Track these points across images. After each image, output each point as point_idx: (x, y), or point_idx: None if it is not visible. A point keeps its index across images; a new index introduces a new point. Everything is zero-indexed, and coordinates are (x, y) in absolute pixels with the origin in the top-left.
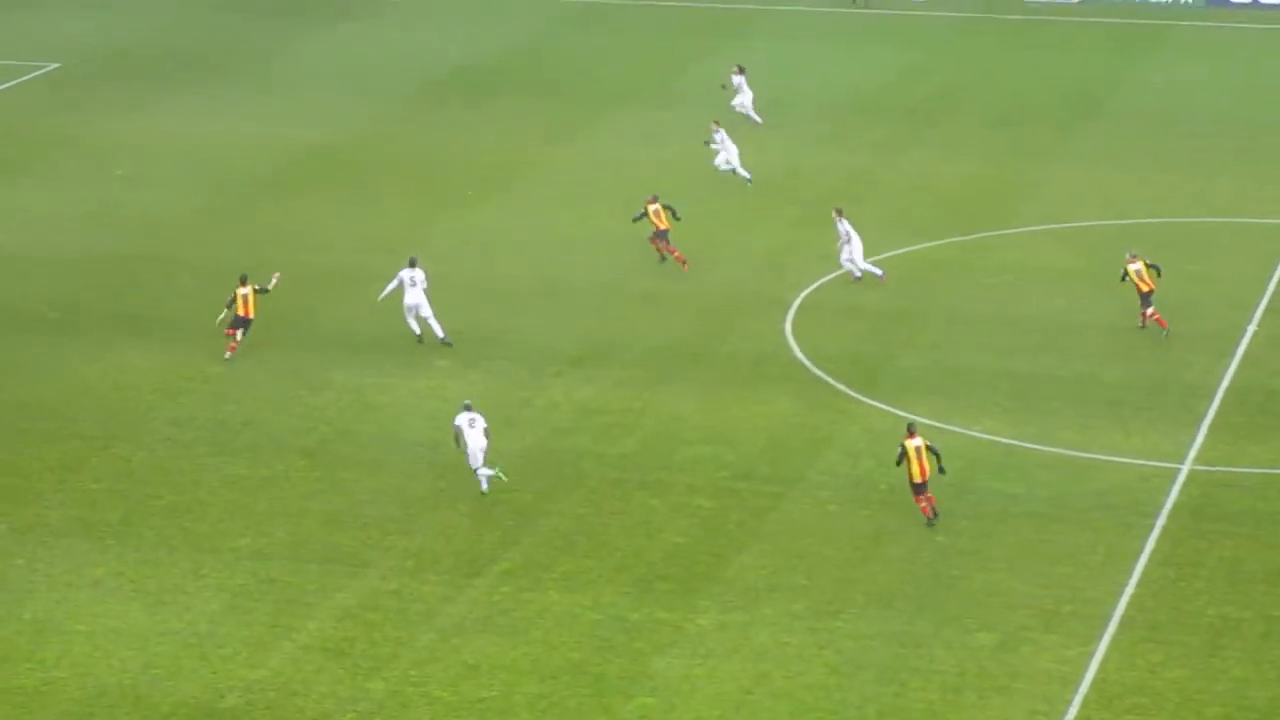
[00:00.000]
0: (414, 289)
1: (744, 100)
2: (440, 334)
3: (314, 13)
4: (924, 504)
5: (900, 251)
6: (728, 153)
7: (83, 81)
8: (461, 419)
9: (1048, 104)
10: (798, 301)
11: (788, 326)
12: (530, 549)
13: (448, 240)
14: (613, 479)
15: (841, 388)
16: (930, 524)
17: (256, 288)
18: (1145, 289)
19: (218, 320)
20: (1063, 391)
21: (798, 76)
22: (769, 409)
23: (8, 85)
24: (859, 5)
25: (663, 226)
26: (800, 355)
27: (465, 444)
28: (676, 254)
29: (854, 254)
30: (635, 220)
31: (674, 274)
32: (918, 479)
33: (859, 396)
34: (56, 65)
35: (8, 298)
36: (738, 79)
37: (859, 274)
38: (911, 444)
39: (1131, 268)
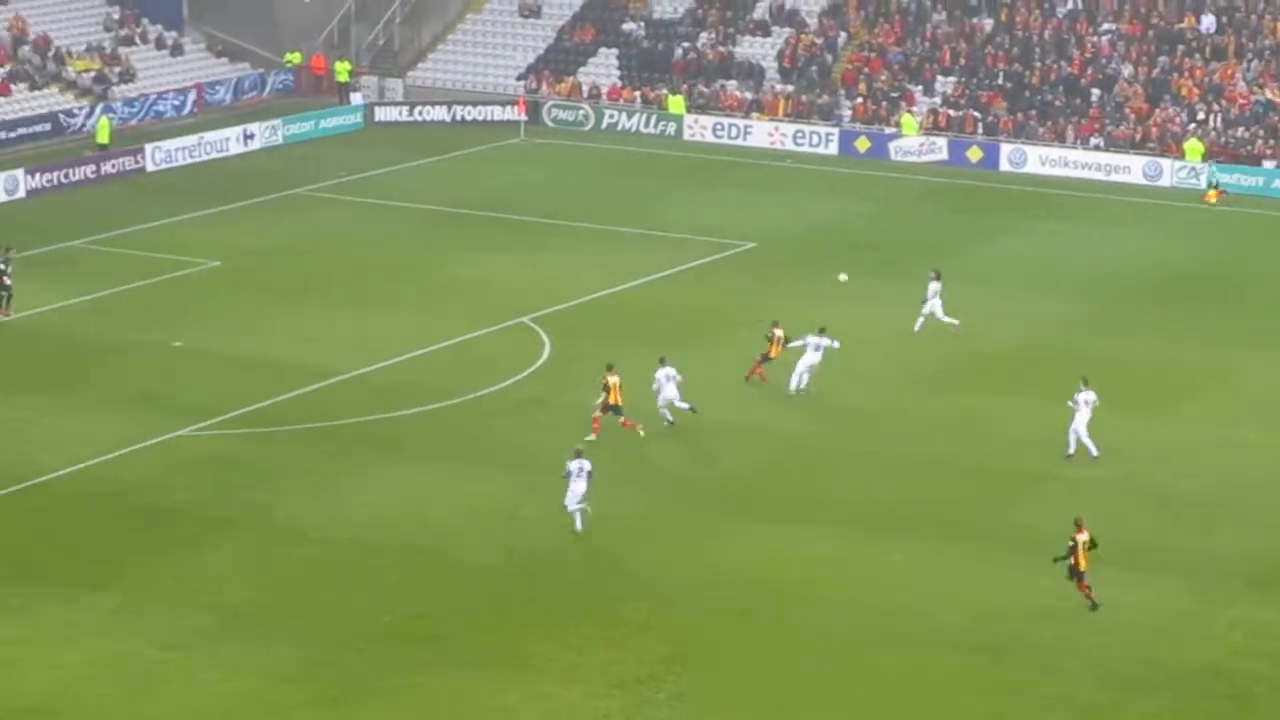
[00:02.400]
0: (669, 384)
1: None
2: (676, 412)
3: (1017, 210)
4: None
5: None
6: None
7: (774, 262)
8: (573, 465)
9: None
10: None
11: None
12: None
13: (1132, 446)
14: None
15: None
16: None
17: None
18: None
19: (595, 405)
20: None
21: None
22: None
23: (709, 259)
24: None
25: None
26: None
27: (569, 487)
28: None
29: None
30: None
31: None
32: (1081, 568)
33: None
34: (754, 244)
35: (688, 469)
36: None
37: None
38: (1080, 538)
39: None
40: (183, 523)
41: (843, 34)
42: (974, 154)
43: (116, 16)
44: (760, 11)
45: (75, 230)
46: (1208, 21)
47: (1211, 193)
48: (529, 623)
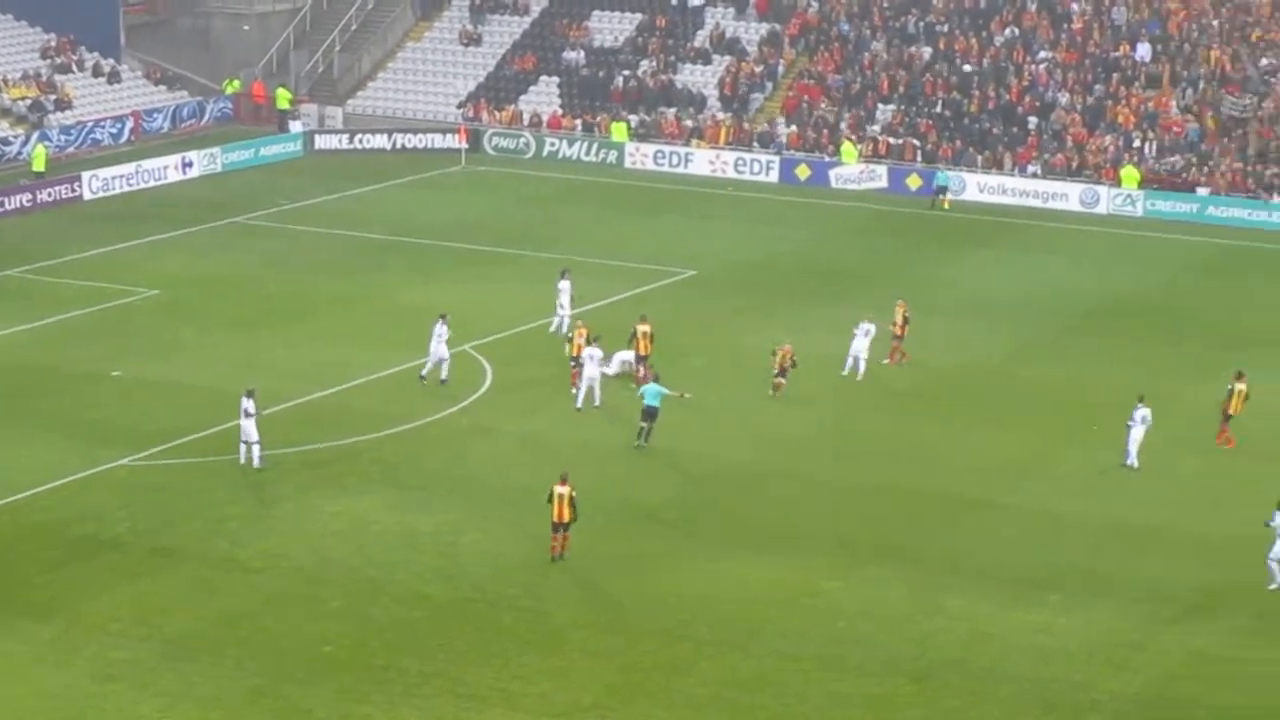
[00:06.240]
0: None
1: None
2: None
3: (949, 238)
4: (557, 543)
5: None
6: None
7: (718, 288)
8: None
9: None
10: None
11: None
12: None
13: (1070, 475)
14: None
15: None
16: (554, 560)
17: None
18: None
19: None
20: None
21: None
22: None
23: (650, 287)
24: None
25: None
26: None
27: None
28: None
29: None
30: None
31: None
32: (556, 520)
33: None
34: (694, 272)
35: (627, 495)
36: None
37: None
38: (562, 490)
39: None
40: (123, 553)
41: (782, 62)
42: (913, 181)
43: (53, 44)
44: (701, 39)
45: (11, 259)
46: (1143, 49)
47: (944, 199)
48: (472, 652)
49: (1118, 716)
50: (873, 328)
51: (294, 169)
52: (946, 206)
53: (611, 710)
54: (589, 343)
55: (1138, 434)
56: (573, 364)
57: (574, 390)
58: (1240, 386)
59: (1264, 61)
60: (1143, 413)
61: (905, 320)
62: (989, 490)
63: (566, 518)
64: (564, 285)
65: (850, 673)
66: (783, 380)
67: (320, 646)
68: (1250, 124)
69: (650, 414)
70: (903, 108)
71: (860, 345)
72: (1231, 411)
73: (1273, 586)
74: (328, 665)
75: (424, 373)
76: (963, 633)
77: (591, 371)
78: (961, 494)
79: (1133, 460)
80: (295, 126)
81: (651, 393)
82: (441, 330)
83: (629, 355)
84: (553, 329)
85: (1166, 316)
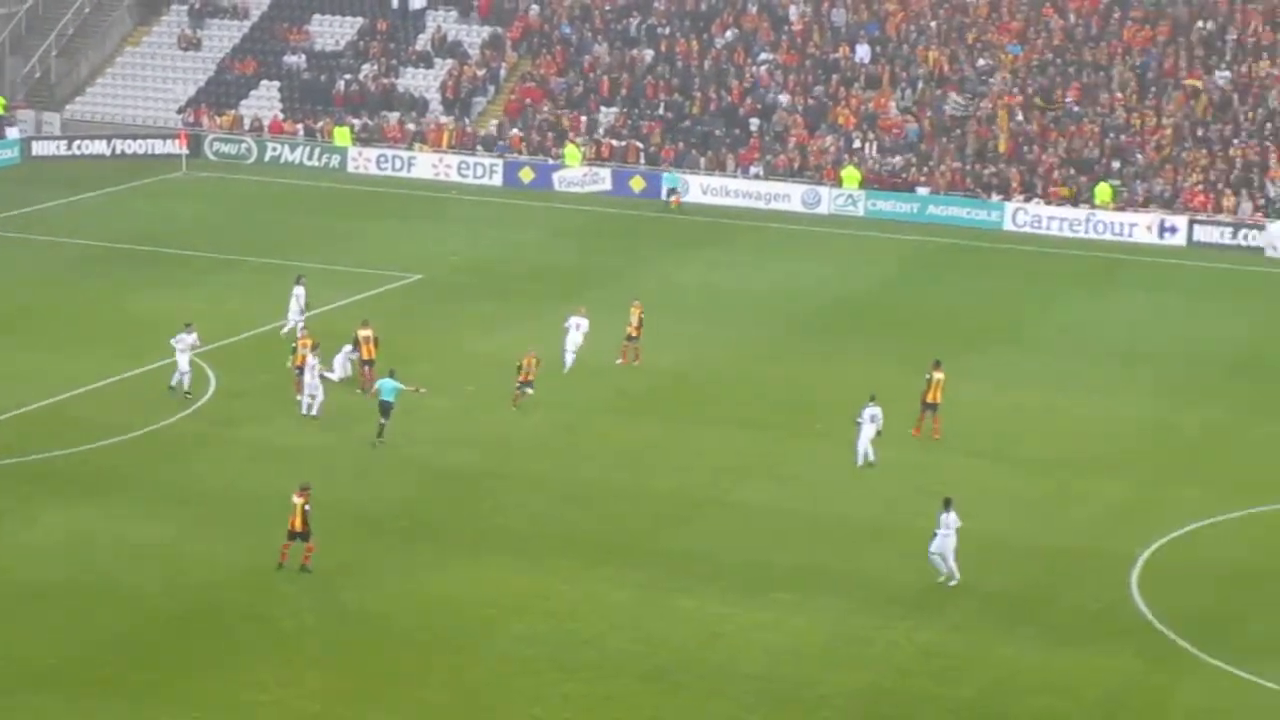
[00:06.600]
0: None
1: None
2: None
3: (674, 240)
4: (288, 550)
5: (1259, 510)
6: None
7: (444, 292)
8: None
9: None
10: (1145, 555)
11: (1134, 580)
12: None
13: (797, 473)
14: None
15: (1186, 646)
16: (280, 567)
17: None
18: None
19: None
20: None
21: (1160, 327)
22: (1109, 663)
23: (376, 291)
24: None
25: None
26: (1145, 611)
27: None
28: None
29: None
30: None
31: (1021, 518)
32: (290, 528)
33: (1203, 656)
34: (420, 276)
35: (357, 500)
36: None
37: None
38: (297, 500)
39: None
40: None
41: (504, 65)
42: (637, 184)
43: None
44: (422, 43)
45: None
46: (862, 51)
47: (675, 199)
48: (201, 662)
49: (848, 712)
50: (584, 321)
51: (11, 176)
52: (676, 206)
53: (342, 717)
54: (311, 351)
55: (868, 432)
56: (297, 373)
57: (299, 398)
58: (938, 375)
59: (981, 62)
60: (871, 411)
61: (641, 321)
62: (719, 489)
63: (299, 527)
64: (299, 291)
65: (582, 673)
66: (526, 391)
67: (43, 660)
68: (969, 124)
69: (385, 409)
70: (625, 110)
71: (573, 340)
72: (930, 400)
73: (941, 579)
74: (50, 679)
75: (173, 383)
76: (694, 632)
77: (310, 380)
78: (691, 493)
79: (863, 458)
80: (12, 133)
81: (388, 388)
82: (186, 340)
83: (355, 352)
84: (284, 332)
85: (889, 314)
